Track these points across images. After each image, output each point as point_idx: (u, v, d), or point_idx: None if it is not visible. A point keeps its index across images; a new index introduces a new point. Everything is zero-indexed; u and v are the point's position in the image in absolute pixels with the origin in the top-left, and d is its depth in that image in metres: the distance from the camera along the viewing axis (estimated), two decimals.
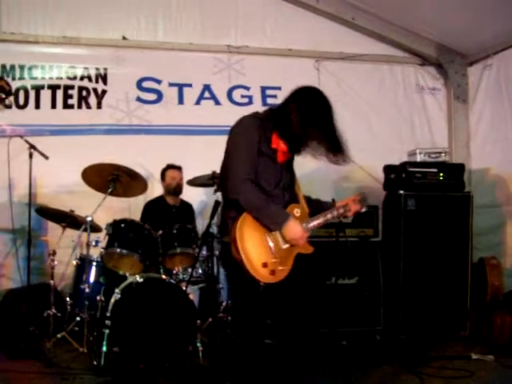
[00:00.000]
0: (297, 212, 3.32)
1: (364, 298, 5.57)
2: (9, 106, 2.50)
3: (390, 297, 5.67)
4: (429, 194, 5.72)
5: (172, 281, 4.79)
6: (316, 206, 3.52)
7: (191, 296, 4.73)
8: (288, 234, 3.15)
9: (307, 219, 3.33)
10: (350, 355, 5.03)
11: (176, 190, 5.87)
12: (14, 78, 6.24)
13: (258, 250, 3.11)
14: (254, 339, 3.30)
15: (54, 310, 4.94)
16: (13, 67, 6.28)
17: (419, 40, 7.09)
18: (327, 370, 4.48)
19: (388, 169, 6.05)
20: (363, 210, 3.57)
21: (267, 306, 3.31)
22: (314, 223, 3.32)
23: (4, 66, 6.25)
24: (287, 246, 3.20)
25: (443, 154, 5.99)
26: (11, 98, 2.51)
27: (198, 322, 4.69)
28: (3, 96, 2.40)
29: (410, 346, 5.33)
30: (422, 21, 6.68)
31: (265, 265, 3.08)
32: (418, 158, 5.94)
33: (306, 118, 3.20)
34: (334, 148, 3.23)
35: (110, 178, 4.97)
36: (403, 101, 7.29)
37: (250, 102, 6.88)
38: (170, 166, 5.92)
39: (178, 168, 5.91)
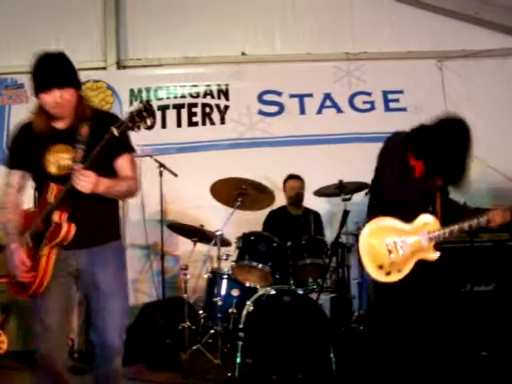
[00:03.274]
0: (425, 223, 3.47)
1: (503, 306, 5.28)
2: (151, 127, 2.58)
3: None
4: None
5: (303, 292, 4.77)
6: (464, 215, 3.57)
7: (323, 307, 4.69)
8: None
9: (436, 229, 3.45)
10: (490, 366, 4.77)
11: (296, 200, 5.83)
12: (141, 101, 6.54)
13: (376, 253, 3.43)
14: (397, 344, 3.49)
15: (188, 323, 5.05)
16: (140, 91, 6.63)
17: None
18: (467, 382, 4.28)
19: None
20: None
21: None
22: (440, 232, 3.44)
23: (132, 90, 6.61)
24: (403, 252, 3.41)
25: None
26: (151, 120, 2.60)
27: (331, 332, 4.63)
28: (145, 115, 2.50)
29: None
30: None
31: (381, 267, 3.39)
32: None
33: (437, 149, 3.39)
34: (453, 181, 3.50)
35: (238, 192, 5.04)
36: None
37: (373, 108, 6.77)
38: (289, 177, 5.90)
39: (298, 178, 5.87)
